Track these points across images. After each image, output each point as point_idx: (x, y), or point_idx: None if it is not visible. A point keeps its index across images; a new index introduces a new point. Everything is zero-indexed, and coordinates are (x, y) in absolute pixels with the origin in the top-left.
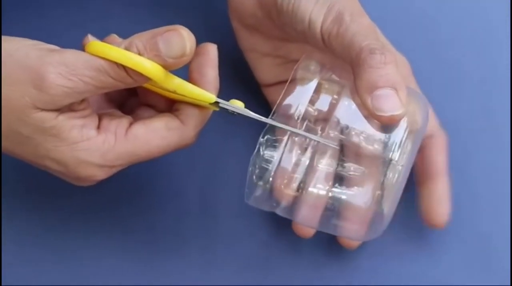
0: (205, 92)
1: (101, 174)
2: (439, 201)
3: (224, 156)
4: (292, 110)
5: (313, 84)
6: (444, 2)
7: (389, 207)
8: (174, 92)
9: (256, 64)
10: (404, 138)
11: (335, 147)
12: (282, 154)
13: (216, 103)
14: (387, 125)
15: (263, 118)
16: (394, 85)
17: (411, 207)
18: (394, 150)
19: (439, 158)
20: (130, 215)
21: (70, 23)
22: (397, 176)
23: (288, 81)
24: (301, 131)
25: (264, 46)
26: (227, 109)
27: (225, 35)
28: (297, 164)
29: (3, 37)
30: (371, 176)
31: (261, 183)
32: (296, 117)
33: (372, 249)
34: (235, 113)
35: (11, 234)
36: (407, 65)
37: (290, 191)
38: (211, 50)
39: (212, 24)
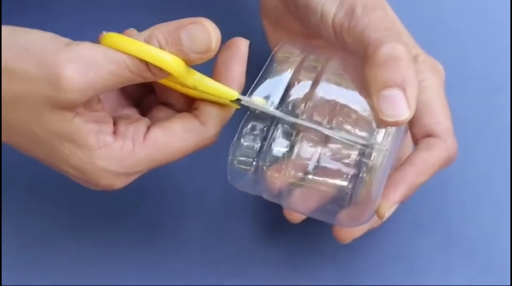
0: (227, 89)
1: (120, 182)
2: (384, 189)
3: (224, 155)
4: (267, 99)
5: (289, 71)
6: (444, 2)
7: (375, 190)
8: (194, 88)
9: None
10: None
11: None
12: (266, 140)
13: (237, 100)
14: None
15: (288, 117)
16: (403, 84)
17: (411, 207)
18: (378, 131)
19: (427, 157)
20: (130, 214)
21: (72, 25)
22: (381, 159)
23: (263, 69)
24: (325, 130)
25: None
26: (248, 106)
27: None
28: (280, 150)
29: (18, 29)
30: (356, 159)
31: (244, 168)
32: (271, 105)
33: (371, 249)
34: (257, 111)
35: (11, 234)
36: (440, 72)
37: (276, 178)
38: (241, 45)
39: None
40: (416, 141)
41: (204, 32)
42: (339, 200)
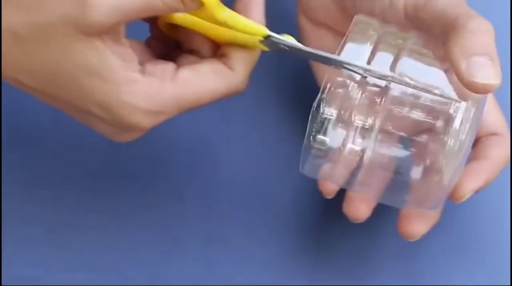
0: (257, 25)
1: (147, 121)
2: (466, 174)
3: (225, 152)
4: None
5: (371, 40)
6: None
7: (449, 176)
8: (224, 23)
9: (320, 66)
10: (467, 105)
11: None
12: (341, 114)
13: (267, 40)
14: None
15: (323, 53)
16: (492, 55)
17: None
18: (457, 116)
19: (499, 153)
20: (131, 210)
21: None
22: (458, 144)
23: (345, 38)
24: (375, 68)
25: (331, 45)
26: (278, 44)
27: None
28: (352, 126)
29: None
30: (431, 143)
31: (318, 145)
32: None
33: (372, 249)
34: (287, 49)
35: (11, 234)
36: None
37: (351, 156)
38: None
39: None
40: (477, 140)
41: None
42: (408, 182)
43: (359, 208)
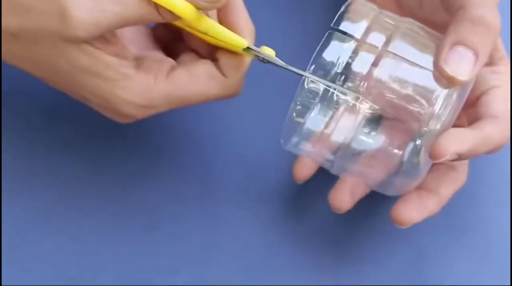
0: (236, 37)
1: (138, 113)
2: (452, 137)
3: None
4: (332, 61)
5: (366, 19)
6: None
7: (426, 158)
8: (206, 33)
9: None
10: (450, 89)
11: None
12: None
13: (248, 49)
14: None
15: (293, 69)
16: (478, 52)
17: None
18: (438, 100)
19: (489, 127)
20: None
21: None
22: (439, 127)
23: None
24: (334, 85)
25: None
26: (258, 56)
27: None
28: (335, 106)
29: None
30: (411, 125)
31: (301, 121)
32: (336, 69)
33: (372, 249)
34: (265, 61)
35: (11, 233)
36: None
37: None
38: None
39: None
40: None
41: None
42: (390, 168)
43: (344, 198)
